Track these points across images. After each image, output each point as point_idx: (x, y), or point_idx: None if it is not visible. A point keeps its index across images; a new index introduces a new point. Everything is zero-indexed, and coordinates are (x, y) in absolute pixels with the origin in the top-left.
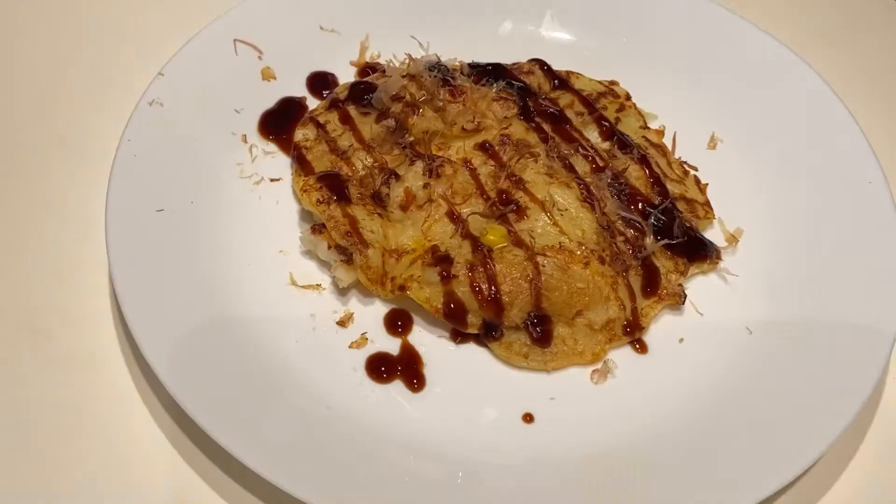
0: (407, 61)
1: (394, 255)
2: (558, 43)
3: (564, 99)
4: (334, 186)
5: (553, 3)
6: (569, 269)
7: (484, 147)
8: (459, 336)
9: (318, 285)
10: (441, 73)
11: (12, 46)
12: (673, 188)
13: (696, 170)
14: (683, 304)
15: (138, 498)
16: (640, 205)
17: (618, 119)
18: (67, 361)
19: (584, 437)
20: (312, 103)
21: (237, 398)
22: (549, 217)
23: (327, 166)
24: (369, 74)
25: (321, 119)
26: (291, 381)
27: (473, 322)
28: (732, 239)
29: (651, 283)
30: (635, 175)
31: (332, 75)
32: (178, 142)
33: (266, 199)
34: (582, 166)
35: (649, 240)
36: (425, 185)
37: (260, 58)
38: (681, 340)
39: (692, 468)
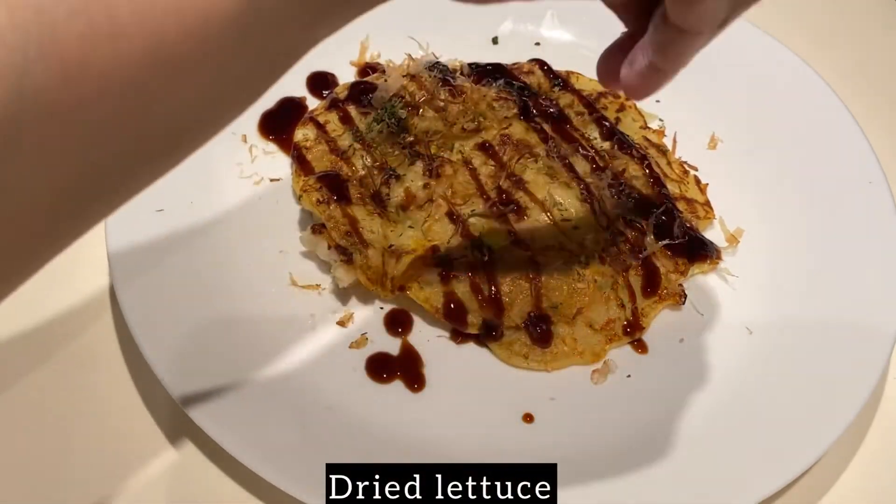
0: (407, 62)
1: (394, 255)
2: (558, 43)
3: (564, 99)
4: (334, 186)
5: (553, 3)
6: (569, 269)
7: (484, 147)
8: (459, 336)
9: (318, 285)
10: (441, 73)
11: None
12: (673, 188)
13: (696, 170)
14: (683, 304)
15: (137, 498)
16: (640, 205)
17: (618, 119)
18: (67, 361)
19: (584, 437)
20: (312, 103)
21: (237, 398)
22: (549, 217)
23: (327, 166)
24: (369, 74)
25: (321, 119)
26: (291, 382)
27: (473, 322)
28: (732, 239)
29: (651, 283)
30: (635, 175)
31: (332, 75)
32: None
33: (266, 199)
34: (582, 166)
35: (649, 240)
36: (425, 185)
37: None
38: (681, 340)
39: (692, 468)
